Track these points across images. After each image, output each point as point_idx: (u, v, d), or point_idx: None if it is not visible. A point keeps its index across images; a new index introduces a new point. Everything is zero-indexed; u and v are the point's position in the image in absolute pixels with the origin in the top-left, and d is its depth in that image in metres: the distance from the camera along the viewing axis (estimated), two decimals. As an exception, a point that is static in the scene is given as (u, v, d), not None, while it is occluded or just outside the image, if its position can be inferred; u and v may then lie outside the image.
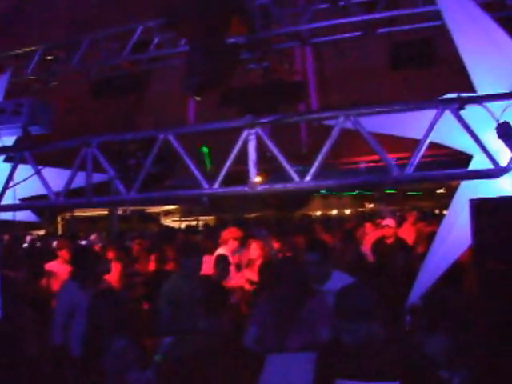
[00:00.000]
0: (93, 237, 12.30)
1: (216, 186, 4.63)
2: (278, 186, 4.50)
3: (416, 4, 6.74)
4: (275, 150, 4.42)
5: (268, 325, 4.57)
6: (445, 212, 6.29)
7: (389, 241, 8.84)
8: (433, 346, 3.66)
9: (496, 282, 3.30)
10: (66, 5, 9.21)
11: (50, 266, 8.49)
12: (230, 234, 7.97)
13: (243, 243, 8.66)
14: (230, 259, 7.28)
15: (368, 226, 10.77)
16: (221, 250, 7.90)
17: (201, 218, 21.87)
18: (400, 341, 3.38)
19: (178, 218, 23.59)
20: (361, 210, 23.34)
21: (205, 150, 9.41)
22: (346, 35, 7.49)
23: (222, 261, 6.70)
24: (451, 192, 5.09)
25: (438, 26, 5.84)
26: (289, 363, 4.42)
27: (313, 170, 4.34)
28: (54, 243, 11.06)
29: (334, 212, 23.67)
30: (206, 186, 4.68)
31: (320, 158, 4.35)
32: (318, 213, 23.57)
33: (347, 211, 23.34)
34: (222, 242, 8.02)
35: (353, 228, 11.72)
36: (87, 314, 4.52)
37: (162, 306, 5.58)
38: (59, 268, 8.16)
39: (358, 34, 7.41)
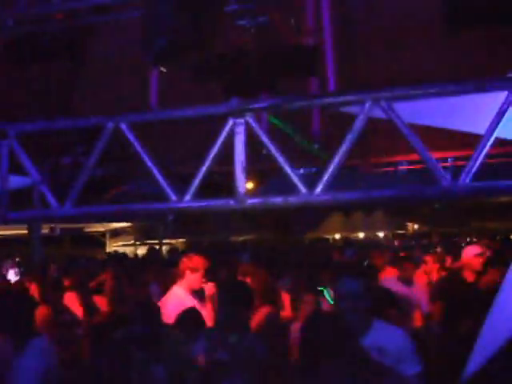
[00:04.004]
0: (5, 267, 12.37)
1: (188, 197, 4.76)
2: (276, 200, 4.62)
3: None
4: (272, 147, 4.56)
5: None
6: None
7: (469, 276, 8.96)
8: None
9: None
10: None
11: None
12: (189, 263, 7.97)
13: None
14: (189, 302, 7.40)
15: (429, 259, 10.95)
16: (176, 289, 7.92)
17: (166, 241, 21.98)
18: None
19: (131, 241, 23.68)
20: (400, 232, 23.57)
21: None
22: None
23: None
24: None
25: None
26: None
27: (326, 176, 4.48)
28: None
29: (361, 235, 23.86)
30: (174, 197, 4.81)
31: (337, 159, 4.48)
32: (337, 236, 23.75)
33: (380, 233, 23.53)
34: (178, 276, 8.02)
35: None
36: None
37: None
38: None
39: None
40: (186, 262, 8.02)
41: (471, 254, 9.35)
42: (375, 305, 6.64)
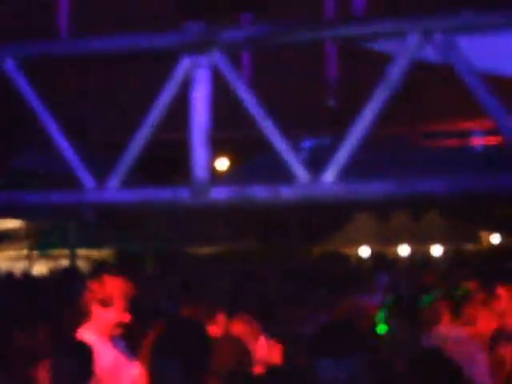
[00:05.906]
0: None
1: (113, 184, 4.66)
2: (258, 193, 4.48)
3: None
4: (254, 105, 4.39)
5: None
6: None
7: None
8: None
9: None
10: None
11: None
12: (98, 292, 7.76)
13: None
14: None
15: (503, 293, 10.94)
16: (85, 335, 7.65)
17: (82, 251, 22.04)
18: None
19: (23, 251, 23.66)
20: (469, 246, 23.93)
21: None
22: None
23: None
24: None
25: None
26: None
27: (341, 155, 4.31)
28: None
29: (405, 249, 24.09)
30: (91, 183, 4.71)
31: (360, 126, 4.31)
32: (365, 250, 23.98)
33: (435, 248, 23.79)
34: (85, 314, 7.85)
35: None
36: None
37: None
38: None
39: None
40: (93, 290, 7.76)
41: None
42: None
